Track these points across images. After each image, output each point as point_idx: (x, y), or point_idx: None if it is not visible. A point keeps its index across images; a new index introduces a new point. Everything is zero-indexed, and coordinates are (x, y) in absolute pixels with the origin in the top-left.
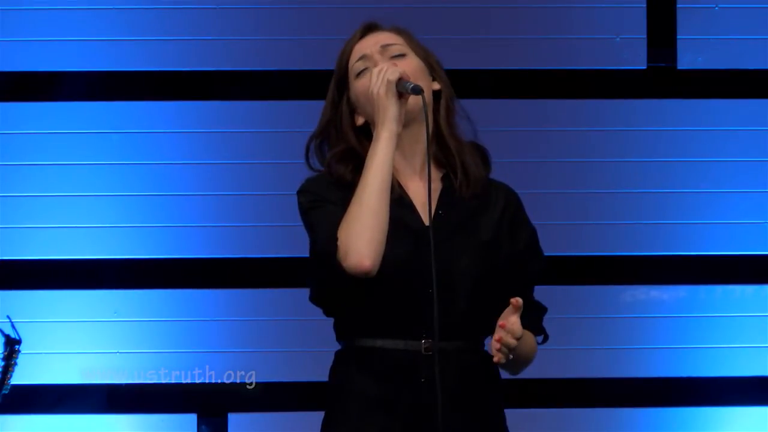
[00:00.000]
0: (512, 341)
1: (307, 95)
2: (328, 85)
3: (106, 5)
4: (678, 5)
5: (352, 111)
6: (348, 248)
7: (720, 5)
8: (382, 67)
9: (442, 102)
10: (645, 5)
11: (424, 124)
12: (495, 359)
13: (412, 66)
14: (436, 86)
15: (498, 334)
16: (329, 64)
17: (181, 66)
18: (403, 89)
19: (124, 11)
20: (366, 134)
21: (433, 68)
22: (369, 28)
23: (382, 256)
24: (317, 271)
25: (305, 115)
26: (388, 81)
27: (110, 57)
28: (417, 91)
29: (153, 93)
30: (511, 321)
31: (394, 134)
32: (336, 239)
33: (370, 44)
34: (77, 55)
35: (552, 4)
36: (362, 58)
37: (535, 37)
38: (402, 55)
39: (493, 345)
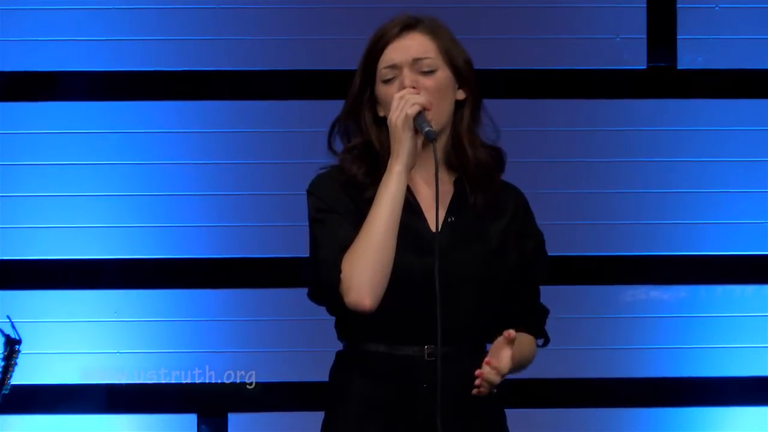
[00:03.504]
0: (495, 378)
1: (307, 95)
2: (329, 85)
3: (106, 5)
4: (678, 5)
5: (375, 103)
6: (350, 284)
7: (720, 5)
8: (403, 95)
9: (465, 111)
10: (645, 5)
11: (446, 137)
12: (474, 392)
13: (438, 85)
14: (461, 96)
15: (481, 370)
16: (330, 64)
17: (181, 66)
18: (419, 128)
19: (124, 11)
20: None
21: (461, 74)
22: (407, 27)
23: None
24: (318, 297)
25: (305, 115)
26: (407, 115)
27: (110, 57)
28: (429, 137)
29: (153, 93)
30: (501, 357)
31: (406, 168)
32: (339, 269)
33: (403, 53)
34: (77, 55)
35: (552, 4)
36: (392, 66)
37: (536, 37)
38: (432, 72)
39: (476, 383)
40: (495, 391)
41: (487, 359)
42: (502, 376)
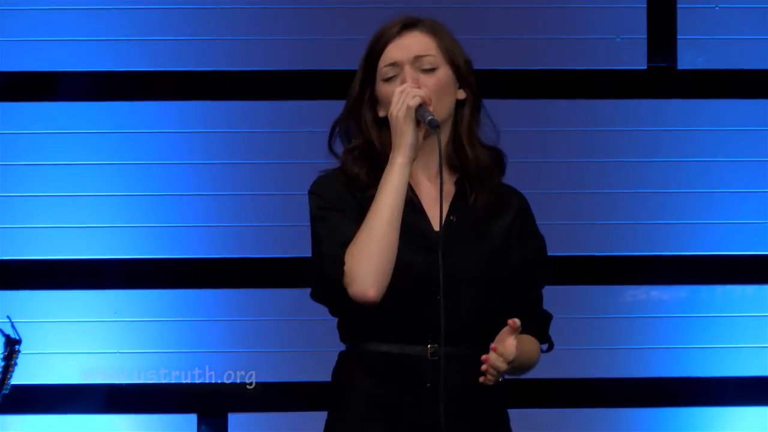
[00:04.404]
0: (501, 365)
1: (308, 95)
2: (329, 85)
3: (106, 5)
4: (678, 5)
5: (375, 103)
6: (353, 276)
7: (720, 5)
8: (404, 88)
9: (465, 111)
10: (645, 5)
11: (446, 137)
12: (480, 380)
13: (439, 82)
14: (461, 95)
15: (488, 356)
16: (330, 64)
17: (181, 66)
18: (421, 118)
19: (124, 11)
20: (388, 125)
21: (461, 74)
22: (407, 26)
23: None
24: (321, 294)
25: (305, 115)
26: (408, 107)
27: (110, 57)
28: (433, 125)
29: (153, 93)
30: (506, 344)
31: (409, 160)
32: (342, 262)
33: (403, 51)
34: (77, 55)
35: (552, 4)
36: (392, 64)
37: (535, 37)
38: (432, 69)
39: (482, 368)
40: (501, 380)
41: (493, 345)
42: (509, 363)
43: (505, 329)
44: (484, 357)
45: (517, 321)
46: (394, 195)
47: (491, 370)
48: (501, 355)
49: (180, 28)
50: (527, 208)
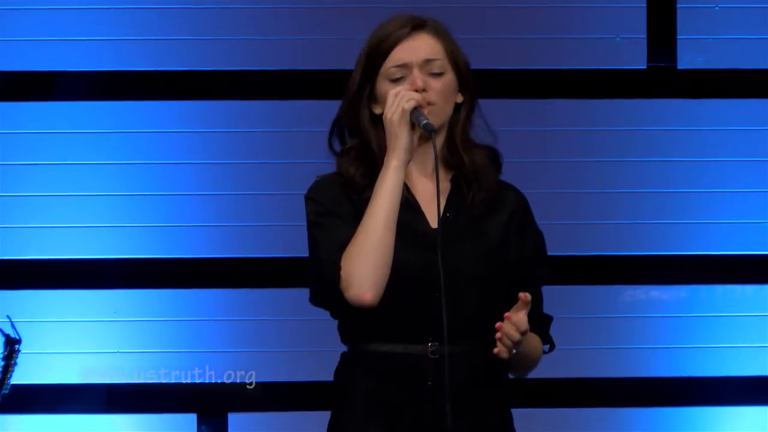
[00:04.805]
0: (515, 333)
1: (307, 95)
2: (329, 85)
3: (106, 5)
4: (678, 5)
5: (373, 100)
6: (350, 280)
7: (720, 5)
8: (399, 90)
9: (461, 114)
10: (645, 5)
11: (441, 139)
12: (494, 350)
13: (446, 87)
14: (459, 99)
15: (501, 324)
16: (330, 64)
17: (182, 66)
18: (416, 121)
19: (124, 11)
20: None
21: (462, 78)
22: (416, 27)
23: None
24: (320, 299)
25: (305, 115)
26: (403, 110)
27: (110, 57)
28: (428, 129)
29: (153, 93)
30: (518, 315)
31: (403, 163)
32: (339, 267)
33: (413, 53)
34: (77, 55)
35: (552, 4)
36: (402, 65)
37: (535, 37)
38: (440, 74)
39: (496, 336)
40: (515, 351)
41: (506, 314)
42: (521, 333)
43: (517, 305)
44: (498, 324)
45: (528, 295)
46: (389, 198)
47: (505, 339)
48: (514, 323)
49: (180, 28)
50: (525, 205)
